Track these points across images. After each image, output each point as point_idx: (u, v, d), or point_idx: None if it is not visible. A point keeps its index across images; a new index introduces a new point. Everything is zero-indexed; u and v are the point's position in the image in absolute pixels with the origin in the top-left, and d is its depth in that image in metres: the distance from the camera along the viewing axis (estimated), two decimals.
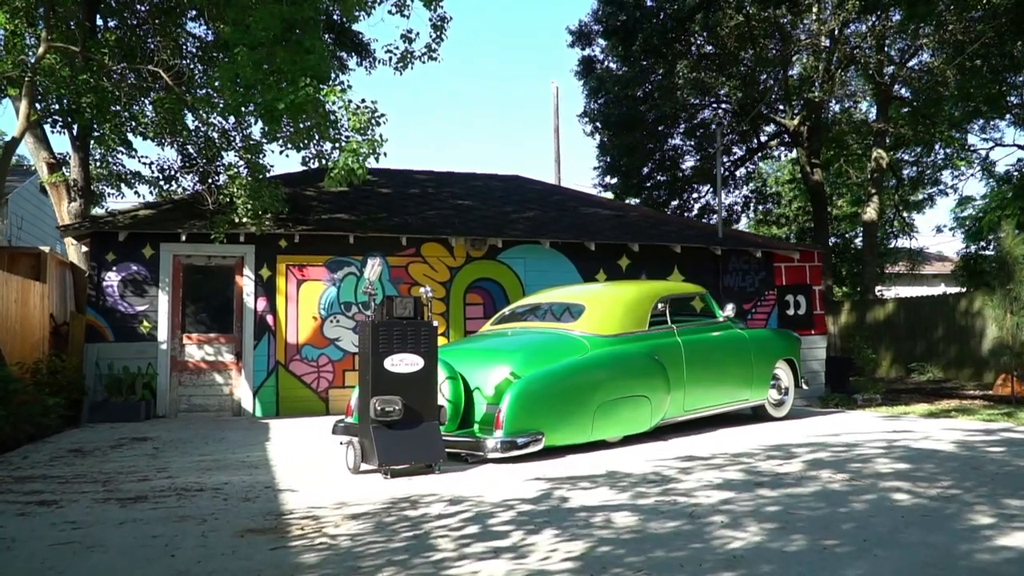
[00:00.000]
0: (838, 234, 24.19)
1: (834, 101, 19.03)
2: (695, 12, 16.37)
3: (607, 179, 20.33)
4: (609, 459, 5.52)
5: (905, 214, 23.01)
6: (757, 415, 8.01)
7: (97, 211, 11.53)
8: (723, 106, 19.47)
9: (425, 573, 2.85)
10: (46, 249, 10.06)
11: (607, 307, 6.99)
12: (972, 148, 20.61)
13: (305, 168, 9.97)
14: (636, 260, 10.93)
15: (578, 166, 66.08)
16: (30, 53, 9.33)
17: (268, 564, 2.98)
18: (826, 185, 20.46)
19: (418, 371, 5.16)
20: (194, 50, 10.89)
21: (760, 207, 23.99)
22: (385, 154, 8.02)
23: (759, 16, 16.76)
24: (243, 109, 7.85)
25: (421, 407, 5.13)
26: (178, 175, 10.69)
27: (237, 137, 9.61)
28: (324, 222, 10.08)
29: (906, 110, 19.03)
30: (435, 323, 5.36)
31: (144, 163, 10.99)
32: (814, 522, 3.49)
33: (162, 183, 10.79)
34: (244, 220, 9.03)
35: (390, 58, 9.78)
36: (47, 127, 10.74)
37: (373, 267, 5.45)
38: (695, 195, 21.11)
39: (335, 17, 13.16)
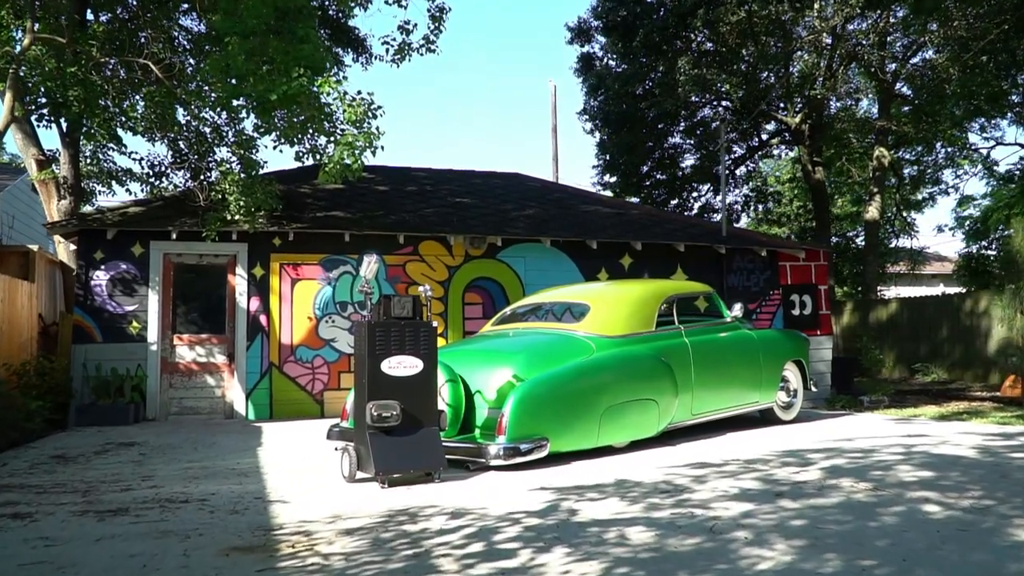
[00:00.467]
0: (839, 233, 24.00)
1: (835, 99, 18.82)
2: (696, 7, 16.13)
3: (606, 177, 20.09)
4: (617, 466, 5.27)
5: (905, 213, 22.83)
6: (765, 418, 7.77)
7: (87, 209, 11.24)
8: (724, 103, 19.23)
9: None
10: (35, 248, 9.78)
11: (613, 307, 6.74)
12: (973, 147, 20.43)
13: (299, 164, 9.71)
14: (638, 259, 10.69)
15: (577, 166, 65.90)
16: (16, 45, 9.05)
17: None
18: (827, 184, 20.25)
19: (417, 374, 4.90)
20: (186, 43, 10.61)
21: (760, 206, 23.78)
22: (382, 147, 7.77)
23: (760, 13, 16.53)
24: (234, 102, 7.58)
25: (420, 412, 4.88)
26: (169, 171, 10.40)
27: (229, 132, 9.34)
28: (319, 220, 9.81)
29: (907, 108, 18.83)
30: (435, 323, 5.11)
31: (135, 159, 10.67)
32: (845, 538, 3.24)
33: (152, 179, 10.50)
34: (237, 217, 8.77)
35: (387, 50, 9.52)
36: (35, 122, 10.46)
37: (369, 264, 5.19)
38: (695, 194, 20.90)
39: (331, 12, 12.92)
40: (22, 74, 8.65)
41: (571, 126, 66.58)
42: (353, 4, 8.92)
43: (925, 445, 5.97)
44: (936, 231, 29.20)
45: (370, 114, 7.70)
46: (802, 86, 18.00)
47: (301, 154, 8.55)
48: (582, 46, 19.20)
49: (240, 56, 6.76)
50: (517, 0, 69.11)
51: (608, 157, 19.50)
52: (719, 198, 20.27)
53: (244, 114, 8.41)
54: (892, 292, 22.45)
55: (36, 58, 8.76)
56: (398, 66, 9.83)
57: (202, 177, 9.74)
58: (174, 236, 9.07)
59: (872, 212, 18.40)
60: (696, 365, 6.67)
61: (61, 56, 8.71)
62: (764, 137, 20.60)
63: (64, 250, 10.66)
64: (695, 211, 20.46)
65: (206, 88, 8.19)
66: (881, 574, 2.75)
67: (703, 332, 7.12)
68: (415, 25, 9.55)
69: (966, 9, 13.90)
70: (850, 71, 18.55)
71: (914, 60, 17.84)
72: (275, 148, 13.85)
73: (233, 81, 7.23)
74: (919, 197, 22.91)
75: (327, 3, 11.95)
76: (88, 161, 11.33)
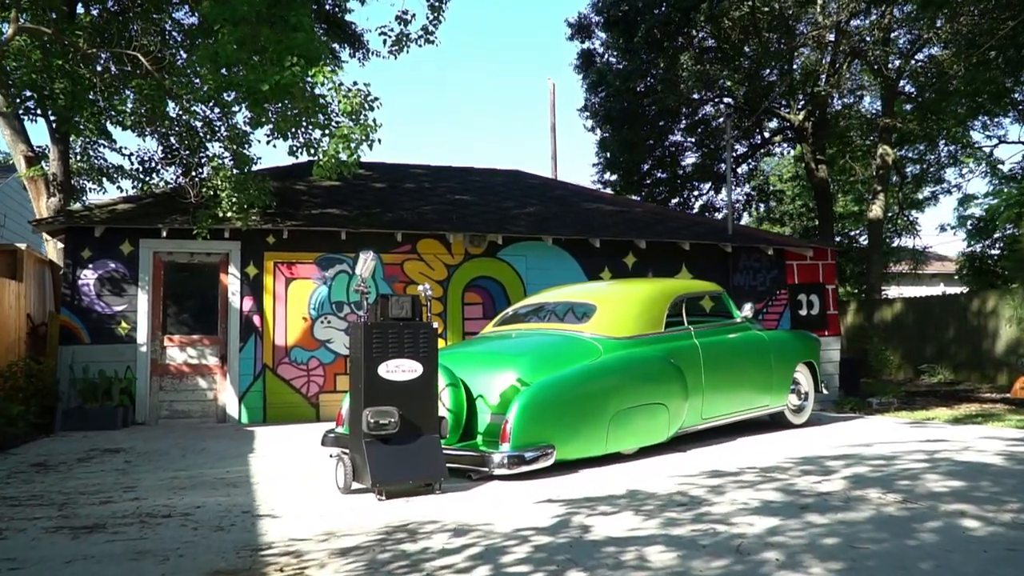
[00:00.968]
0: (842, 232, 23.74)
1: (838, 96, 18.56)
2: (699, 2, 15.85)
3: (607, 176, 19.81)
4: (627, 475, 5.00)
5: (907, 212, 22.58)
6: (776, 422, 7.51)
7: (76, 206, 10.94)
8: (726, 100, 18.96)
9: None
10: (23, 246, 9.48)
11: (620, 307, 6.46)
12: (976, 145, 20.19)
13: (294, 160, 9.42)
14: (642, 258, 10.42)
15: (576, 165, 65.62)
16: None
17: None
18: (830, 182, 19.99)
19: (416, 378, 4.61)
20: (178, 36, 10.31)
21: (762, 205, 23.52)
22: (379, 140, 7.47)
23: (764, 8, 16.27)
24: (225, 95, 7.28)
25: (420, 419, 4.59)
26: (159, 167, 10.09)
27: (222, 126, 9.05)
28: (314, 217, 9.53)
29: (910, 106, 18.58)
30: (435, 324, 4.82)
31: (124, 155, 10.37)
32: (885, 559, 2.97)
33: (142, 176, 10.19)
34: (229, 215, 8.49)
35: (384, 41, 9.21)
36: (23, 116, 10.16)
37: (366, 262, 4.90)
38: (696, 192, 20.62)
39: (327, 6, 12.62)
40: (7, 67, 8.36)
41: (570, 126, 66.28)
42: None
43: (947, 451, 5.69)
44: (939, 230, 28.89)
45: (366, 106, 7.40)
46: (805, 83, 17.74)
47: (295, 148, 8.26)
48: (582, 42, 18.95)
49: (230, 45, 6.46)
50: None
51: (609, 155, 19.22)
52: (721, 196, 20.02)
53: (235, 107, 8.12)
54: (893, 292, 22.21)
55: (20, 49, 8.45)
56: (396, 58, 9.54)
57: (193, 173, 9.45)
58: (164, 234, 8.79)
59: (876, 211, 18.13)
60: (707, 367, 6.40)
61: (47, 48, 8.41)
62: (766, 135, 20.34)
63: (53, 249, 10.37)
64: (696, 210, 20.19)
65: (196, 80, 7.89)
66: None
67: (713, 333, 6.85)
68: (413, 15, 9.26)
69: (974, 5, 13.65)
70: (853, 68, 18.29)
71: (919, 56, 17.59)
72: (268, 142, 13.50)
73: (224, 72, 6.93)
74: (921, 196, 22.66)
75: None
76: (78, 158, 11.03)
